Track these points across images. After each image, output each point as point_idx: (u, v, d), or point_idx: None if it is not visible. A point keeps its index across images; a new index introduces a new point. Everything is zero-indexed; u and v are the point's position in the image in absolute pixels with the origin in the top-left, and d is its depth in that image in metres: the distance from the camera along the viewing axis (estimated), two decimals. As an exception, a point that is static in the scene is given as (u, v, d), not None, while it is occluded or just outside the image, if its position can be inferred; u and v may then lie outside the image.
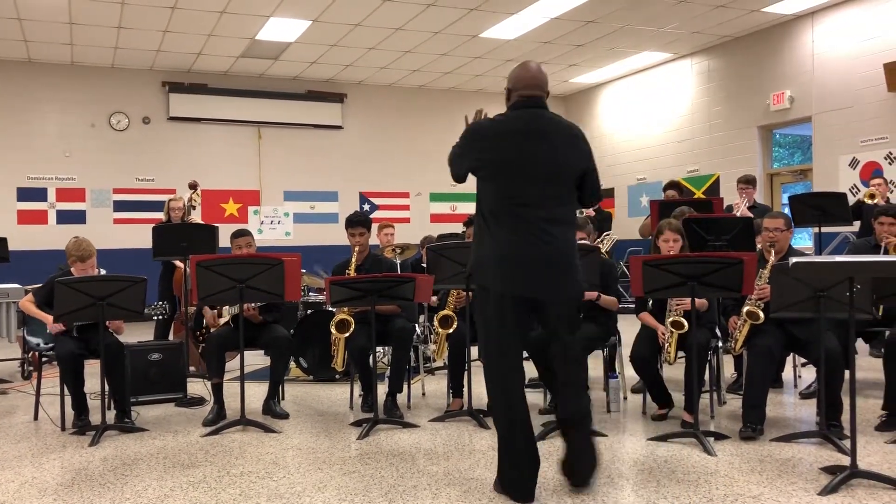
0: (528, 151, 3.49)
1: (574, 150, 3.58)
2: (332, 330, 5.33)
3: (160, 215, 8.04)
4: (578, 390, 3.66)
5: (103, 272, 5.37)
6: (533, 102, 3.60)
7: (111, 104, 12.53)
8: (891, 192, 9.15)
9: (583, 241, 5.05)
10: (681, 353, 4.85)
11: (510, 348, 3.54)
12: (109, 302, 4.76)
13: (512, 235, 3.47)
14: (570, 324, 3.63)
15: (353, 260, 5.55)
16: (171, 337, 7.49)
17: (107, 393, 5.06)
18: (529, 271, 3.46)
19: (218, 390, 5.30)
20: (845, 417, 4.24)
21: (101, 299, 4.74)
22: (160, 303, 5.68)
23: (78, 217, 12.28)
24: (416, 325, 6.22)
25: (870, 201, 7.40)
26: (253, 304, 5.38)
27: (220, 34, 10.80)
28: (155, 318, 5.61)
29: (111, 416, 5.16)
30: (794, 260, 3.64)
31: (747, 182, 7.95)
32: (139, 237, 11.34)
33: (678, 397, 5.08)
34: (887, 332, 4.88)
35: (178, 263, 7.45)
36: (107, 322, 5.07)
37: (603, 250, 6.39)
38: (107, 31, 10.58)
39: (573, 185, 3.59)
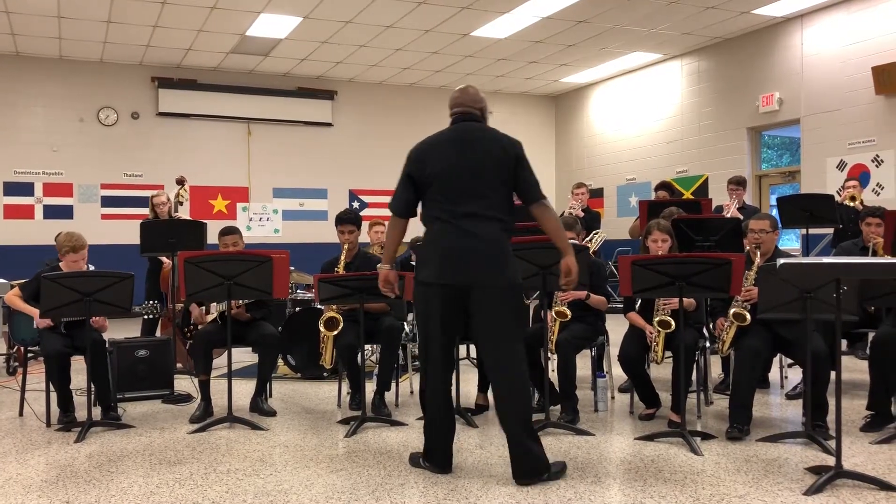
0: (451, 156, 3.87)
1: (493, 153, 3.84)
2: (321, 328, 5.32)
3: (147, 211, 7.99)
4: (503, 398, 3.82)
5: (91, 268, 5.34)
6: (461, 117, 4.01)
7: (99, 99, 12.46)
8: (876, 195, 9.23)
9: (571, 241, 5.05)
10: (668, 353, 4.86)
11: (437, 334, 3.87)
12: (96, 298, 4.74)
13: (441, 234, 3.86)
14: (498, 316, 3.76)
15: (343, 257, 5.54)
16: (158, 333, 7.45)
17: (93, 389, 5.04)
18: (453, 261, 3.79)
19: (205, 387, 5.29)
20: (831, 418, 4.27)
21: (87, 295, 4.71)
22: (151, 302, 5.65)
23: (65, 212, 12.21)
24: (405, 323, 6.22)
25: (851, 203, 7.46)
26: (240, 302, 5.36)
27: (210, 30, 10.76)
28: (147, 316, 5.58)
29: (97, 412, 5.14)
30: (781, 261, 3.66)
31: (737, 183, 7.98)
32: (127, 233, 11.30)
33: (665, 397, 5.10)
34: (872, 334, 4.92)
35: (165, 260, 7.41)
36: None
37: (591, 249, 6.40)
38: (96, 26, 10.52)
39: (497, 184, 3.83)
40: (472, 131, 3.94)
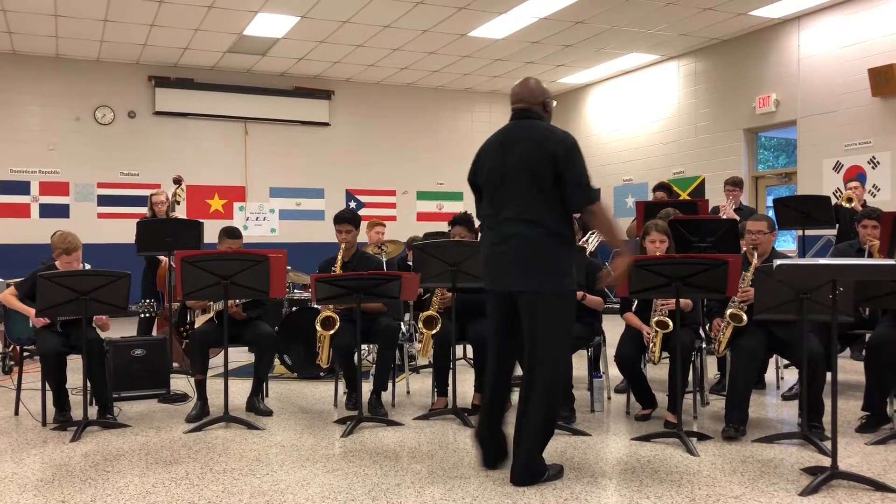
0: (494, 160, 3.86)
1: (527, 156, 3.74)
2: (318, 327, 5.32)
3: (145, 210, 7.98)
4: (525, 396, 3.79)
5: (87, 267, 5.34)
6: (515, 115, 3.94)
7: (96, 98, 12.44)
8: (872, 196, 9.25)
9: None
10: (665, 354, 4.87)
11: (495, 337, 3.96)
12: (93, 297, 4.73)
13: (483, 239, 3.92)
14: (532, 322, 3.73)
15: (340, 257, 5.54)
16: (154, 333, 7.45)
17: (89, 388, 5.03)
18: (490, 268, 3.85)
19: (201, 387, 5.28)
20: (826, 419, 4.28)
21: (84, 294, 4.70)
22: (148, 301, 5.65)
23: (61, 211, 12.18)
24: (402, 323, 6.22)
25: (847, 205, 7.47)
26: (237, 301, 5.36)
27: (207, 29, 10.74)
28: (143, 315, 5.57)
29: (93, 411, 5.13)
30: (778, 262, 3.66)
31: (734, 184, 7.99)
32: (123, 232, 11.25)
33: (662, 398, 5.11)
34: (868, 335, 4.93)
35: (162, 258, 7.40)
36: (93, 318, 5.04)
37: (588, 250, 6.41)
38: (92, 24, 10.50)
39: (532, 188, 3.72)
40: (516, 131, 3.83)
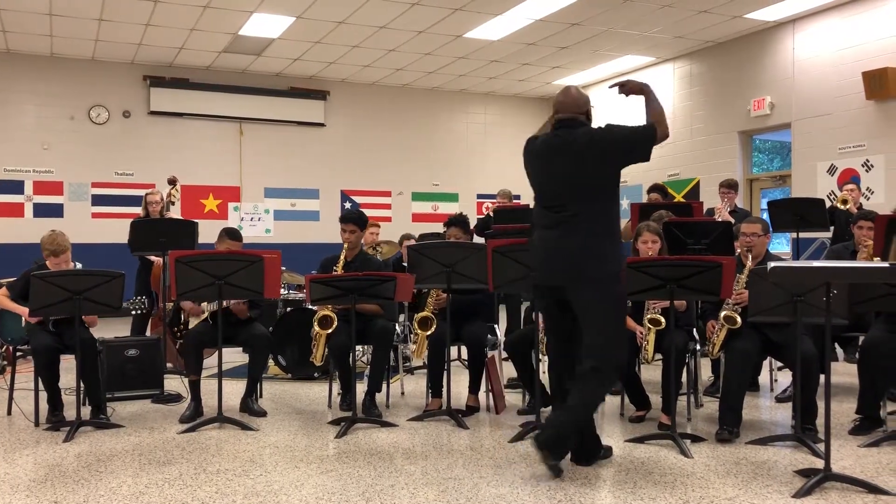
0: (538, 169, 4.07)
1: (578, 163, 3.89)
2: (315, 326, 5.28)
3: (139, 210, 7.96)
4: (575, 393, 3.88)
5: (79, 266, 5.32)
6: (558, 124, 4.04)
7: (91, 97, 12.41)
8: (866, 199, 9.27)
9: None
10: (658, 355, 4.88)
11: (551, 332, 4.17)
12: (86, 297, 4.72)
13: (537, 236, 4.05)
14: (592, 313, 3.85)
15: (343, 257, 5.51)
16: (148, 333, 7.43)
17: (82, 388, 5.01)
18: (546, 263, 3.96)
19: (195, 387, 5.27)
20: (820, 421, 4.29)
21: (77, 294, 4.69)
22: (138, 297, 5.63)
23: (55, 210, 12.14)
24: (396, 324, 6.21)
25: (843, 207, 7.49)
26: (243, 300, 5.35)
27: (202, 29, 10.73)
28: (133, 312, 5.56)
29: (86, 411, 5.11)
30: (772, 264, 3.67)
31: (729, 186, 8.01)
32: (117, 232, 11.22)
33: (655, 399, 5.11)
34: (862, 338, 4.94)
35: (154, 259, 7.38)
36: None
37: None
38: (87, 24, 10.48)
39: (588, 189, 3.89)
40: (561, 141, 3.96)
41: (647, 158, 4.00)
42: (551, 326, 4.15)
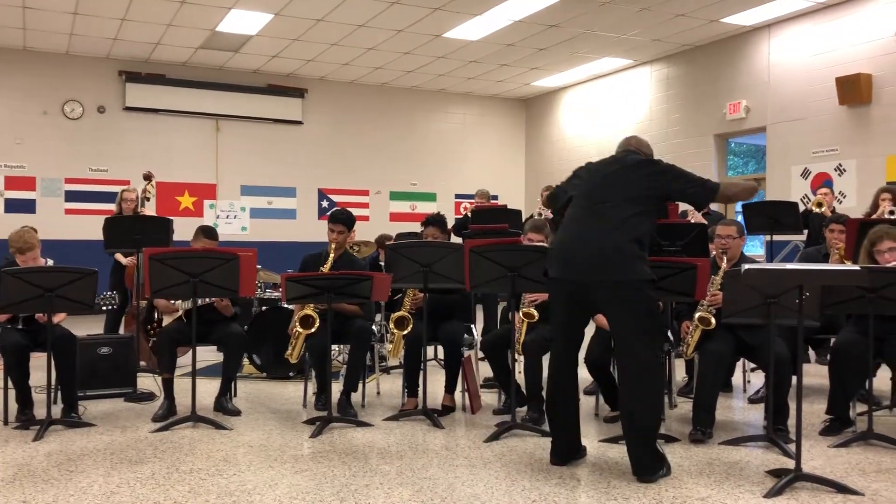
0: (595, 171, 4.19)
1: (629, 171, 4.05)
2: (297, 325, 5.21)
3: (113, 206, 7.87)
4: (628, 395, 3.87)
5: (51, 263, 5.25)
6: (626, 151, 4.27)
7: (65, 92, 12.25)
8: (839, 203, 9.40)
9: (539, 244, 5.08)
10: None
11: (558, 329, 4.11)
12: (59, 294, 4.65)
13: (565, 233, 4.06)
14: (626, 312, 3.82)
15: (332, 256, 5.45)
16: (121, 331, 7.35)
17: (53, 386, 4.95)
18: (572, 259, 3.94)
19: (169, 386, 5.22)
20: (791, 422, 4.34)
21: (49, 291, 4.63)
22: (110, 293, 5.57)
23: (27, 206, 11.98)
24: (373, 323, 6.19)
25: (817, 209, 7.59)
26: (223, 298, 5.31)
27: (179, 24, 10.64)
28: (105, 308, 5.50)
29: (57, 410, 5.05)
30: (746, 267, 3.71)
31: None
32: (91, 228, 11.08)
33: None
34: (833, 340, 5.00)
35: (125, 261, 7.31)
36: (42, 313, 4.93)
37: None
38: (62, 17, 10.34)
39: (631, 189, 3.97)
40: (613, 157, 4.21)
41: (698, 204, 4.46)
42: (563, 322, 4.08)
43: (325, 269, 5.37)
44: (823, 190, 8.09)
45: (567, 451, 4.11)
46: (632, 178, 4.00)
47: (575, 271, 3.91)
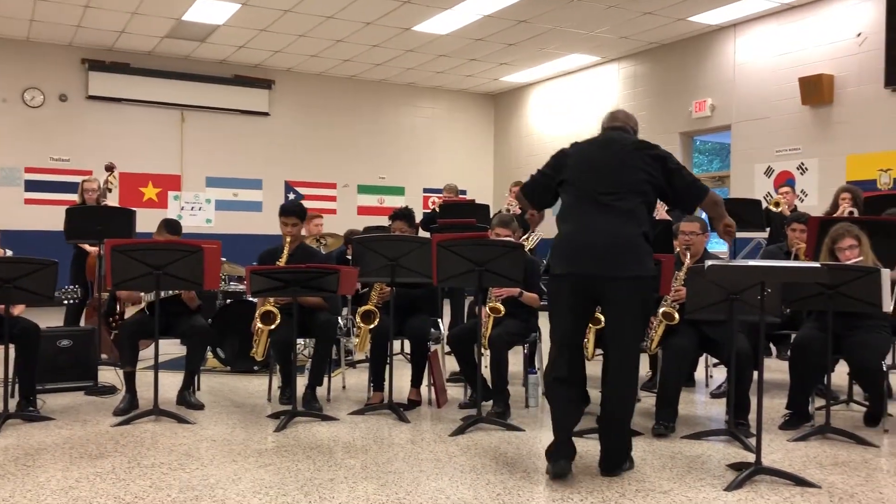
0: (597, 156, 3.96)
1: (633, 155, 3.87)
2: (258, 323, 5.18)
3: (75, 197, 7.74)
4: (617, 383, 3.83)
5: (9, 253, 5.14)
6: (614, 128, 4.07)
7: (25, 79, 12.00)
8: (800, 201, 9.56)
9: (507, 239, 5.09)
10: (598, 351, 4.93)
11: (567, 329, 3.88)
12: (17, 285, 4.56)
13: (571, 226, 3.87)
14: (630, 307, 3.75)
15: (287, 250, 5.41)
16: (82, 323, 7.23)
17: (10, 379, 4.85)
18: (584, 253, 3.78)
19: (130, 379, 5.15)
20: (752, 416, 4.40)
21: (7, 282, 4.53)
22: (71, 287, 5.48)
23: (-14, 196, 11.73)
24: (339, 317, 6.16)
25: (775, 209, 7.71)
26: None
27: (144, 13, 10.47)
28: (66, 301, 5.40)
29: (14, 403, 4.95)
30: (709, 263, 3.75)
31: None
32: (52, 219, 10.89)
33: (595, 394, 5.17)
34: (793, 336, 5.09)
35: (89, 248, 7.19)
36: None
37: (527, 247, 6.45)
38: (23, 2, 10.12)
39: (635, 182, 3.82)
40: (613, 137, 4.02)
41: (683, 207, 4.18)
42: (572, 320, 3.87)
43: (282, 262, 5.32)
44: (784, 189, 8.23)
45: (571, 457, 3.84)
46: (635, 164, 3.84)
47: (588, 266, 3.74)
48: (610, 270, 3.71)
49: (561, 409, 3.86)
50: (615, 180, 3.82)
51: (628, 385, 3.87)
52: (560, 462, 3.74)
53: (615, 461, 3.83)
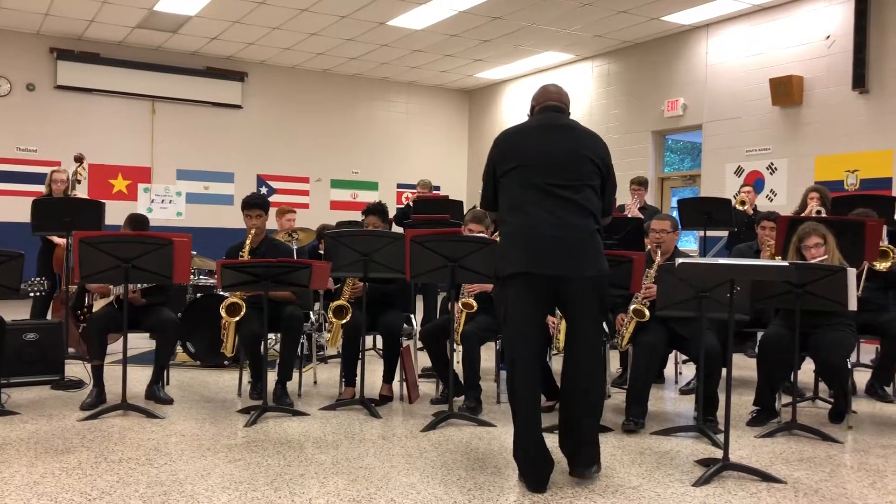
0: (544, 141, 3.72)
1: (583, 141, 3.74)
2: (223, 313, 5.17)
3: (42, 188, 7.61)
4: (586, 370, 3.67)
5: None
6: (552, 108, 3.84)
7: (-9, 67, 11.79)
8: (769, 201, 9.69)
9: (480, 234, 5.10)
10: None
11: (527, 330, 3.66)
12: (-19, 277, 4.48)
13: (528, 219, 3.62)
14: (592, 304, 3.62)
15: (248, 243, 5.40)
16: (49, 316, 7.12)
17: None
18: (546, 251, 3.57)
19: (98, 373, 5.09)
20: (720, 413, 4.46)
21: (-29, 274, 4.45)
22: (38, 279, 5.39)
23: (-50, 186, 11.51)
24: (311, 312, 6.13)
25: (741, 207, 7.82)
26: (136, 286, 5.17)
27: (115, 2, 10.32)
28: (32, 294, 5.32)
29: (-21, 398, 4.87)
30: (679, 261, 3.79)
31: (639, 183, 8.23)
32: (18, 210, 10.71)
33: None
34: (761, 334, 5.15)
35: (57, 240, 7.08)
36: None
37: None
38: (-11, -11, 9.94)
39: (589, 174, 3.68)
40: (566, 121, 3.84)
41: (605, 208, 3.83)
42: (532, 321, 3.69)
43: (245, 255, 5.29)
44: (746, 189, 8.35)
45: (547, 468, 3.63)
46: (587, 154, 3.69)
47: (552, 265, 3.55)
48: (575, 270, 3.56)
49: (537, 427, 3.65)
50: (571, 171, 3.63)
51: (598, 375, 3.77)
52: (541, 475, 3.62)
53: (586, 459, 3.64)
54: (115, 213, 6.75)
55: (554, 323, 4.92)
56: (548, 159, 3.65)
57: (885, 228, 5.46)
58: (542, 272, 3.56)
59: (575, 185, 3.63)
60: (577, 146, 3.69)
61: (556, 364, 5.66)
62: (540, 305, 3.70)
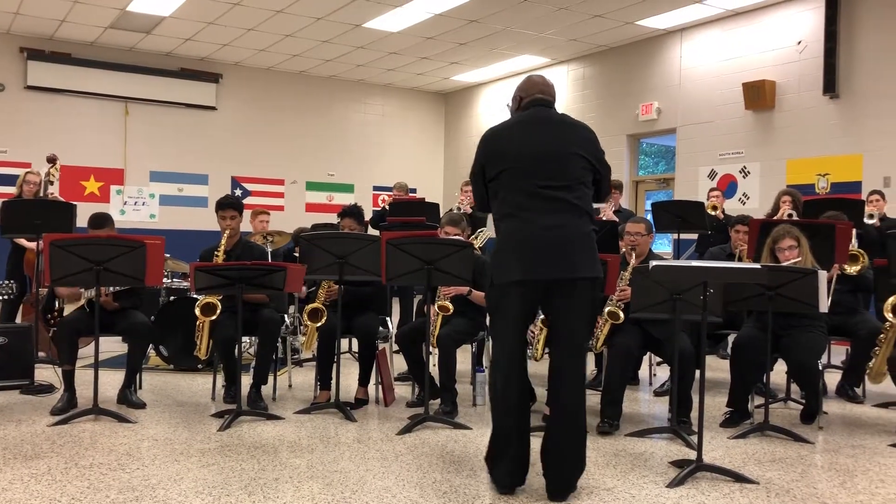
0: (533, 139, 3.59)
1: (576, 137, 3.62)
2: (197, 313, 5.11)
3: (12, 190, 7.50)
4: (570, 383, 3.60)
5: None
6: (540, 102, 3.70)
7: (-40, 67, 11.60)
8: (742, 204, 9.80)
9: (456, 237, 5.10)
10: (547, 350, 4.97)
11: (511, 336, 3.61)
12: (-52, 280, 4.40)
13: (522, 225, 3.53)
14: (582, 309, 3.55)
15: (223, 245, 5.35)
16: (19, 319, 7.02)
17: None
18: (538, 256, 3.48)
19: (69, 377, 5.02)
20: (694, 414, 4.49)
21: (-62, 277, 4.37)
22: (6, 282, 5.31)
23: (-83, 187, 11.29)
24: (286, 315, 6.10)
25: (712, 212, 7.92)
26: (108, 289, 5.11)
27: (87, 2, 10.19)
28: (1, 297, 5.24)
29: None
30: (653, 263, 3.81)
31: (614, 187, 8.26)
32: (-13, 212, 10.56)
33: (541, 392, 5.22)
34: (733, 336, 5.20)
35: (26, 244, 6.98)
36: None
37: (476, 246, 6.47)
38: (-42, -12, 9.78)
39: (581, 172, 3.58)
40: (557, 116, 3.71)
41: (600, 194, 3.76)
42: (518, 327, 3.62)
43: (219, 258, 5.25)
44: (715, 193, 8.49)
45: (524, 468, 3.65)
46: (577, 152, 3.56)
47: (545, 271, 3.47)
48: (568, 272, 3.48)
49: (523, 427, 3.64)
50: (563, 171, 3.53)
51: (582, 392, 3.64)
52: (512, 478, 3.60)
53: (568, 482, 3.57)
54: (87, 216, 6.66)
55: (532, 330, 4.92)
56: (539, 160, 3.53)
57: (854, 231, 5.53)
58: (537, 278, 3.50)
59: (568, 185, 3.53)
60: (567, 144, 3.58)
61: (532, 367, 5.68)
62: (528, 313, 3.69)
